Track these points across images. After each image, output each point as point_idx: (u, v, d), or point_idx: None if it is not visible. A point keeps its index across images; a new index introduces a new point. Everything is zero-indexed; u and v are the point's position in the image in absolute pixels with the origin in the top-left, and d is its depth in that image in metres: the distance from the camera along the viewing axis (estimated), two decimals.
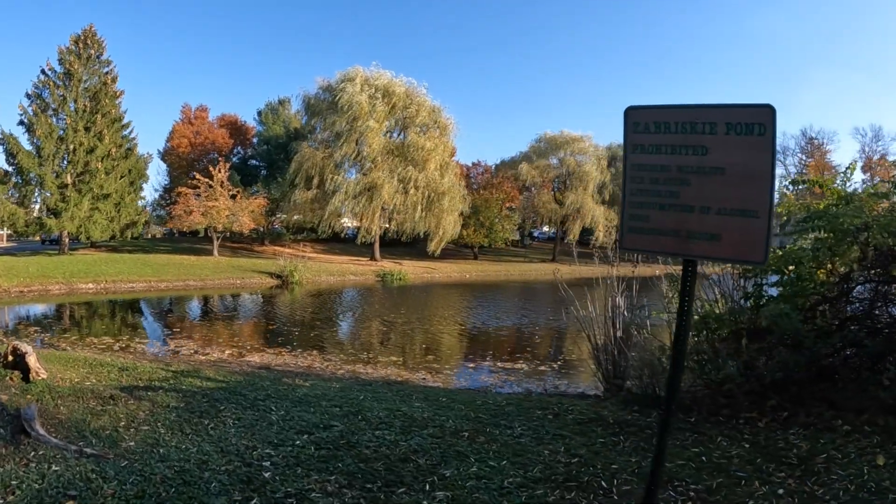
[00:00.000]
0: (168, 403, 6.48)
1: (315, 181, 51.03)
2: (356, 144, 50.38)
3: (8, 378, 7.07)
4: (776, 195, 4.62)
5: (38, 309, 23.78)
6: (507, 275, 54.24)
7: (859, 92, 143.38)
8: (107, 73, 43.31)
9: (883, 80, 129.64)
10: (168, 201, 56.62)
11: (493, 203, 62.38)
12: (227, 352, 14.82)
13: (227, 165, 48.27)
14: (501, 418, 6.67)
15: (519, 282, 48.83)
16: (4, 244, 54.95)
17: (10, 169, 39.76)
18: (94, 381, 7.63)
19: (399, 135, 53.33)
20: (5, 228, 49.70)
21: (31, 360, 7.24)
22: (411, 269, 47.12)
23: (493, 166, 75.35)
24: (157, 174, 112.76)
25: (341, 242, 58.90)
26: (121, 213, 43.20)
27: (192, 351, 14.76)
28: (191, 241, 60.49)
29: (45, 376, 7.22)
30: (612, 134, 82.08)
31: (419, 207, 50.27)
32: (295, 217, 54.11)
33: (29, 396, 6.29)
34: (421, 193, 50.37)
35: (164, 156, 61.75)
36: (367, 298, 32.64)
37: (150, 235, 48.35)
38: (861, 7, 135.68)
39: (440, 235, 52.17)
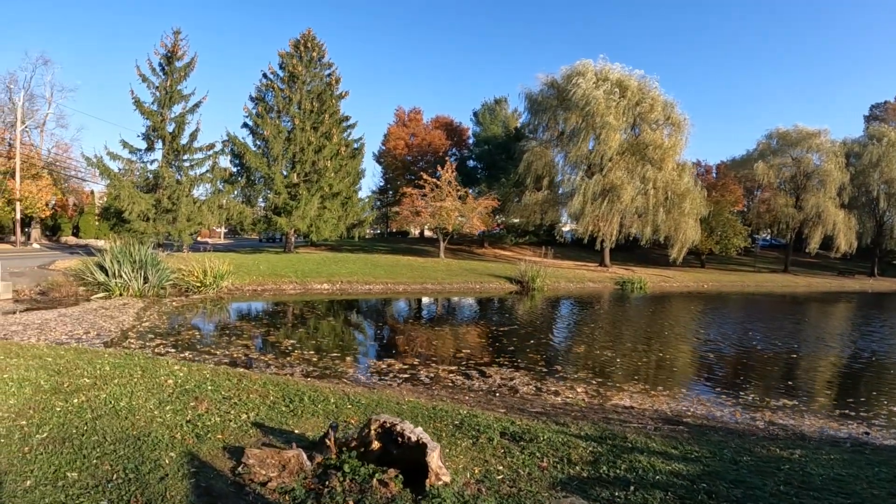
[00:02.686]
0: None
1: (545, 181, 49.82)
2: (590, 142, 47.89)
3: (375, 482, 4.53)
4: None
5: (293, 309, 22.45)
6: (743, 286, 49.29)
7: None
8: (329, 74, 43.77)
9: None
10: (384, 202, 53.96)
11: (725, 206, 58.04)
12: (578, 389, 11.11)
13: (454, 165, 47.59)
14: None
15: (764, 294, 44.39)
16: (222, 241, 54.55)
17: (235, 170, 40.89)
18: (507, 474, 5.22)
19: (633, 132, 50.33)
20: (222, 226, 47.95)
21: (433, 458, 4.57)
22: (647, 277, 43.80)
23: (714, 166, 67.28)
24: (371, 176, 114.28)
25: (561, 246, 56.48)
26: (348, 213, 43.44)
27: (507, 382, 11.50)
28: (407, 242, 62.18)
29: (446, 480, 4.60)
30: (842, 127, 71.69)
31: (661, 210, 47.32)
32: (515, 220, 53.21)
33: None
34: (661, 195, 47.45)
35: (379, 158, 63.52)
36: (627, 309, 29.33)
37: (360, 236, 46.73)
38: None
39: (681, 241, 48.75)
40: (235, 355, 12.47)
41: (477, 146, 61.52)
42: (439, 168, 46.51)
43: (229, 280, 25.16)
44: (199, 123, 36.96)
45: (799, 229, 62.06)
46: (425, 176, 45.78)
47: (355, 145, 44.60)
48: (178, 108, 35.89)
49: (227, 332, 15.65)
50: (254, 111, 40.86)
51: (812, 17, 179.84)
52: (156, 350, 12.45)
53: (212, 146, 37.43)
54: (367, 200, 46.22)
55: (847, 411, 10.37)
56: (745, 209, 66.59)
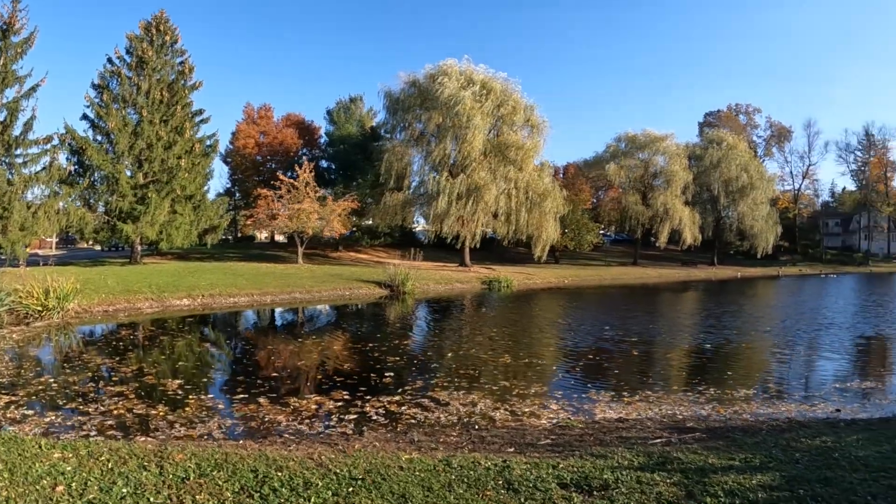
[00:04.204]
0: None
1: (405, 182, 49.69)
2: (453, 143, 47.95)
3: None
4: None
5: (158, 332, 19.02)
6: (601, 279, 53.27)
7: None
8: (182, 62, 39.63)
9: None
10: (231, 205, 51.01)
11: (578, 205, 61.88)
12: (552, 407, 10.47)
13: (312, 165, 46.03)
14: None
15: (624, 285, 48.23)
16: (54, 252, 48.05)
17: (72, 169, 35.65)
18: None
19: (494, 133, 51.23)
20: (54, 235, 42.43)
21: None
22: (510, 276, 44.69)
23: (562, 167, 71.43)
24: (218, 177, 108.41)
25: (413, 246, 53.38)
26: (200, 217, 39.65)
27: (471, 408, 10.26)
28: (258, 248, 59.64)
29: None
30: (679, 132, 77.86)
31: (523, 210, 48.56)
32: (372, 222, 52.99)
33: None
34: (522, 195, 48.83)
35: (227, 157, 60.03)
36: (510, 308, 29.90)
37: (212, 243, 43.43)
38: None
39: (543, 239, 50.10)
40: (118, 412, 9.48)
41: (331, 146, 60.09)
42: (297, 168, 45.10)
43: (76, 300, 21.41)
44: (36, 111, 31.40)
45: (648, 225, 67.30)
46: (281, 176, 44.18)
47: (208, 142, 40.88)
48: (10, 93, 30.88)
49: (92, 373, 12.45)
50: (97, 100, 36.27)
51: (648, 26, 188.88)
52: (7, 416, 9.05)
53: (49, 139, 32.64)
54: (220, 203, 42.23)
55: (805, 393, 11.60)
56: (593, 207, 71.12)
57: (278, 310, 26.66)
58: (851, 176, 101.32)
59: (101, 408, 9.66)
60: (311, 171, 44.40)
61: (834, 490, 5.17)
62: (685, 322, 24.27)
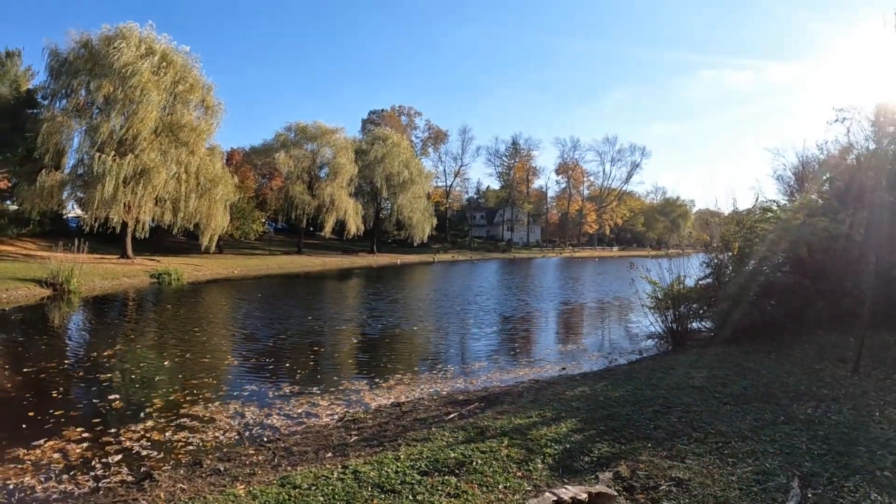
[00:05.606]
0: None
1: (64, 160, 44.81)
2: (122, 118, 44.13)
3: None
4: None
5: None
6: (268, 269, 53.72)
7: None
8: None
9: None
10: None
11: (245, 192, 62.17)
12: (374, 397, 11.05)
13: None
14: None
15: (289, 275, 49.56)
16: None
17: None
18: None
19: (167, 112, 48.25)
20: None
21: None
22: (178, 267, 42.35)
23: (225, 153, 72.01)
24: None
25: (66, 236, 46.03)
26: None
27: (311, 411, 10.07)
28: None
29: None
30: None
31: (193, 196, 47.10)
32: (23, 205, 44.42)
33: None
34: (193, 180, 47.33)
35: None
36: (194, 302, 29.67)
37: None
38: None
39: (213, 228, 49.22)
40: None
41: None
42: None
43: None
44: None
45: (314, 215, 70.52)
46: None
47: None
48: None
49: None
50: None
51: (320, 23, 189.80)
52: None
53: None
54: None
55: (520, 360, 14.44)
56: (256, 195, 70.81)
57: None
58: (497, 177, 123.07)
59: None
60: None
61: (618, 423, 7.08)
62: (391, 307, 26.49)
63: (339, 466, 5.99)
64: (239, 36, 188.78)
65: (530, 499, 4.81)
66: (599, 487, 4.91)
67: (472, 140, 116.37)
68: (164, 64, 46.09)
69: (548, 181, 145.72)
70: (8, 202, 48.22)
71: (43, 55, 45.65)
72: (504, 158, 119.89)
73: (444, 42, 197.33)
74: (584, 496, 4.64)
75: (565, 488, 4.79)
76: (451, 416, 8.43)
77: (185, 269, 42.73)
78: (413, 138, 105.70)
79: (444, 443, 6.65)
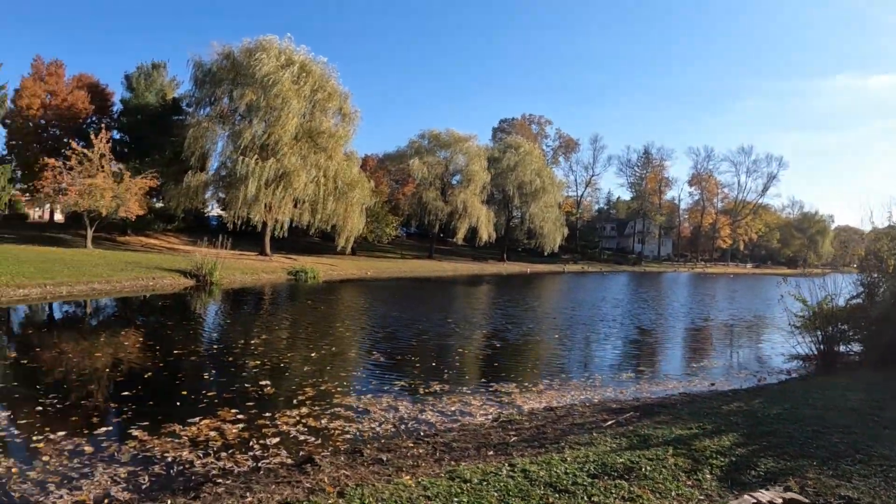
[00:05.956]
0: None
1: (209, 162, 48.47)
2: (263, 124, 46.75)
3: None
4: None
5: None
6: (400, 271, 55.03)
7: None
8: None
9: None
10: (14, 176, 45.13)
11: (380, 197, 63.27)
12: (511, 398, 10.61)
13: (109, 135, 42.57)
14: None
15: (421, 278, 49.70)
16: None
17: None
18: None
19: (307, 118, 50.09)
20: None
21: None
22: (314, 266, 43.89)
23: (360, 158, 72.62)
24: None
25: (206, 232, 50.17)
26: None
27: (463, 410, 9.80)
28: (35, 229, 51.65)
29: None
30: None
31: (331, 199, 48.91)
32: (170, 204, 48.39)
33: None
34: (331, 184, 49.11)
35: (5, 118, 50.44)
36: (327, 299, 30.14)
37: None
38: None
39: (349, 230, 51.03)
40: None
41: (126, 115, 54.57)
42: (90, 136, 41.34)
43: None
44: None
45: (447, 221, 70.93)
46: (74, 145, 40.05)
47: None
48: None
49: None
50: None
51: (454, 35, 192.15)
52: None
53: None
54: (2, 172, 36.43)
55: (671, 374, 13.58)
56: (389, 200, 72.35)
57: (82, 303, 23.10)
58: (628, 187, 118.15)
59: None
60: (107, 142, 40.97)
61: (780, 439, 6.86)
62: (526, 314, 25.75)
63: (507, 464, 5.95)
64: (366, 46, 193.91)
65: (731, 500, 4.94)
66: (791, 495, 5.00)
67: (603, 149, 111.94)
68: (304, 74, 47.92)
69: (680, 192, 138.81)
70: (154, 200, 51.15)
71: (187, 66, 49.10)
72: (636, 168, 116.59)
73: (570, 49, 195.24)
74: (779, 501, 4.81)
75: (761, 492, 5.01)
76: (609, 422, 8.28)
77: (320, 267, 44.09)
78: (544, 147, 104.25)
79: (609, 448, 6.61)
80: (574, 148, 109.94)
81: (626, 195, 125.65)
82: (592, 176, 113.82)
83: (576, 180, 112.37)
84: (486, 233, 70.98)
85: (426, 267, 61.08)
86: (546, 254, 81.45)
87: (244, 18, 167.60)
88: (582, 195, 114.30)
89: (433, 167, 70.04)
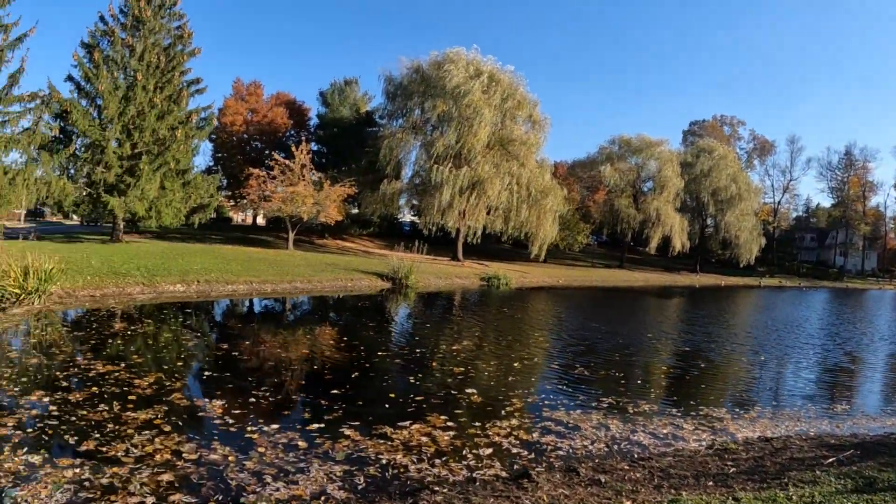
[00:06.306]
0: None
1: (405, 171, 49.56)
2: (455, 133, 46.26)
3: None
4: None
5: (171, 323, 16.44)
6: (591, 280, 52.83)
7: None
8: (179, 27, 36.15)
9: None
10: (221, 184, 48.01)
11: (572, 204, 62.33)
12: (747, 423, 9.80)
13: (308, 146, 44.90)
14: None
15: (614, 288, 47.44)
16: (23, 224, 43.83)
17: (52, 135, 31.63)
18: None
19: (498, 127, 49.84)
20: (23, 207, 38.45)
21: None
22: (507, 273, 43.12)
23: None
24: (201, 154, 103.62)
25: (398, 237, 54.97)
26: (190, 194, 36.64)
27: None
28: (241, 231, 57.65)
29: None
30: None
31: (524, 206, 48.28)
32: (365, 210, 50.57)
33: None
34: (524, 191, 48.41)
35: (212, 133, 54.40)
36: (523, 306, 29.27)
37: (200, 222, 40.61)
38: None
39: (541, 237, 49.99)
40: (165, 457, 6.43)
41: (322, 129, 58.81)
42: (289, 149, 43.85)
43: (58, 283, 18.18)
44: (25, 62, 28.24)
45: (639, 229, 67.93)
46: (276, 156, 42.82)
47: (203, 114, 37.36)
48: None
49: (107, 388, 8.96)
50: (86, 60, 32.83)
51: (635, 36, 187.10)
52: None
53: (34, 96, 29.43)
54: (211, 181, 38.62)
55: (891, 408, 11.66)
56: (579, 208, 70.24)
57: (288, 300, 24.48)
58: (829, 193, 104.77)
59: (141, 452, 6.42)
60: (308, 153, 43.32)
61: None
62: (727, 332, 23.90)
63: (730, 497, 5.64)
64: (544, 53, 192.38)
65: None
66: None
67: (801, 150, 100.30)
68: (493, 83, 47.76)
69: (886, 198, 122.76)
70: (350, 206, 53.73)
71: (378, 81, 51.56)
72: (836, 172, 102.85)
73: (760, 42, 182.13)
74: None
75: None
76: (830, 460, 7.55)
77: (512, 274, 43.37)
78: (737, 150, 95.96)
79: (834, 489, 6.01)
80: (770, 150, 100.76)
81: (826, 202, 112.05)
82: (790, 181, 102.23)
83: (772, 185, 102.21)
84: (680, 242, 66.90)
85: (617, 276, 58.76)
86: (741, 266, 76.13)
87: (415, 34, 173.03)
88: (779, 202, 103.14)
89: (625, 173, 67.72)
